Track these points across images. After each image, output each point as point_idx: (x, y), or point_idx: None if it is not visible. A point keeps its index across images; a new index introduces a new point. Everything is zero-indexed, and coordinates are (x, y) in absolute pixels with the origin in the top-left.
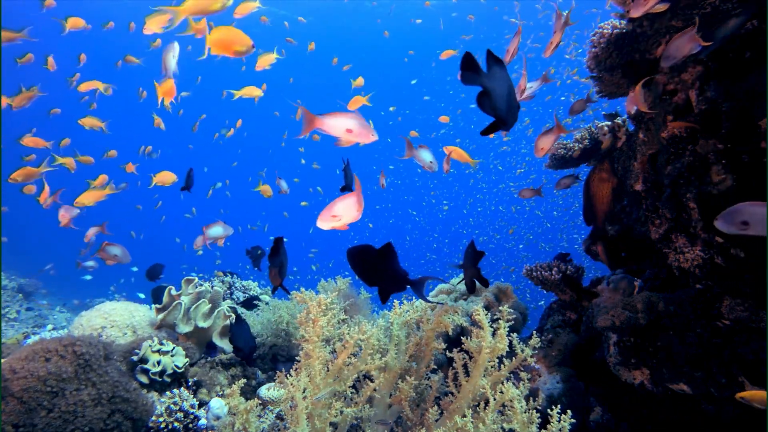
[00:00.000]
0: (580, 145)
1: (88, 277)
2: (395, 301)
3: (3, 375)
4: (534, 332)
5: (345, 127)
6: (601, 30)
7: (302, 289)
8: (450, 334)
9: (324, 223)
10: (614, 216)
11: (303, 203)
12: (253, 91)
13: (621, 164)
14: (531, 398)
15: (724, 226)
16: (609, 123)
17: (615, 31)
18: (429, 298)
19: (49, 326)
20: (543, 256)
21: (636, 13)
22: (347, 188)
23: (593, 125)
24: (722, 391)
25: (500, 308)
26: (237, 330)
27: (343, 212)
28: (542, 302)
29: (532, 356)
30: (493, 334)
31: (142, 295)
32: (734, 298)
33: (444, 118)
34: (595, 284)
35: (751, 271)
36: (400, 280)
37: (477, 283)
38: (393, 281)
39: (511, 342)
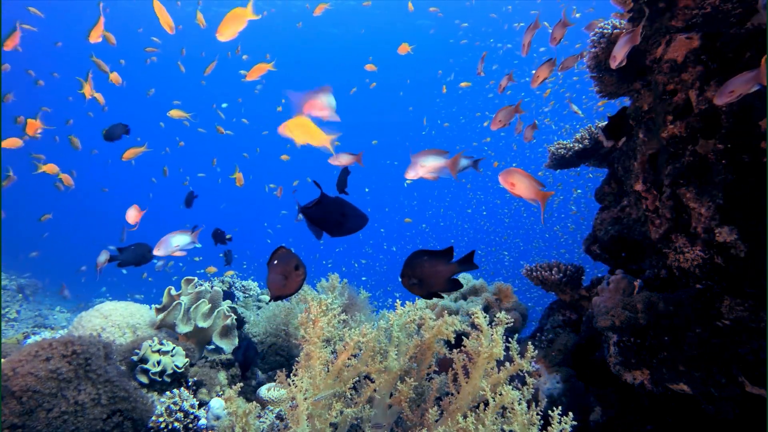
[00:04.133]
0: (580, 145)
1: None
2: (397, 301)
3: (3, 375)
4: (535, 334)
5: None
6: (601, 30)
7: (305, 287)
8: (451, 340)
9: None
10: (614, 216)
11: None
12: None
13: (621, 164)
14: (533, 402)
15: (501, 181)
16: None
17: (615, 31)
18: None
19: (62, 332)
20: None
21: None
22: (341, 192)
23: (593, 125)
24: (722, 391)
25: (497, 315)
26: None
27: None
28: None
29: (531, 358)
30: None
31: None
32: (734, 298)
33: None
34: (595, 284)
35: (751, 271)
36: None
37: (478, 283)
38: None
39: (508, 348)
